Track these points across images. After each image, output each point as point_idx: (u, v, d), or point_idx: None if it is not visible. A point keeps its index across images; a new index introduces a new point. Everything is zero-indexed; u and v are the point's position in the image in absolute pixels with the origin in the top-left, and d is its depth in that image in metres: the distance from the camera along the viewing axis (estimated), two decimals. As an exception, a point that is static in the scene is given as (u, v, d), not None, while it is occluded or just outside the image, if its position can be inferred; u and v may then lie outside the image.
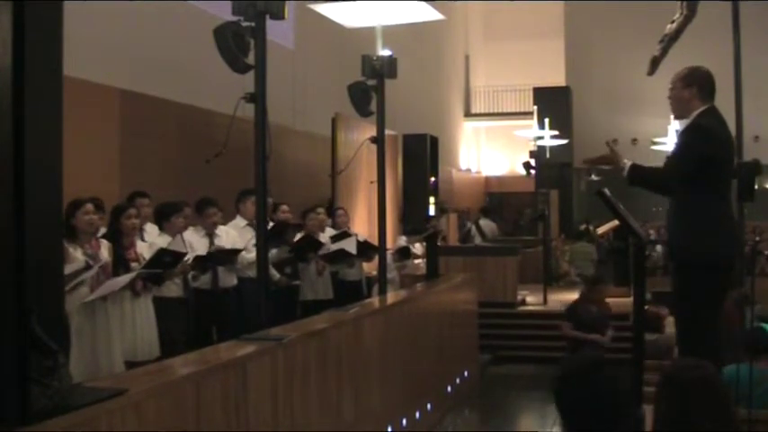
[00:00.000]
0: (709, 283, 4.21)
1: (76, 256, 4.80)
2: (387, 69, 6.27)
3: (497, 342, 9.43)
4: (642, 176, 4.38)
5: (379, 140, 6.43)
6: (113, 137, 8.02)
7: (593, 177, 23.02)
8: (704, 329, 4.16)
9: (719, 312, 4.43)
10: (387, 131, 6.63)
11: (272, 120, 4.43)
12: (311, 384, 4.12)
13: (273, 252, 6.46)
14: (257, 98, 4.32)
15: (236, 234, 6.68)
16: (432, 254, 7.80)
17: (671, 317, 7.09)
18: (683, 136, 4.35)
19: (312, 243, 7.18)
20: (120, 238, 5.31)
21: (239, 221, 6.97)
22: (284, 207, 7.36)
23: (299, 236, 7.23)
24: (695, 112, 4.31)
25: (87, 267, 4.74)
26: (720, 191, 4.32)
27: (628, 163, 4.36)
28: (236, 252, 6.36)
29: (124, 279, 5.01)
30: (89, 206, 4.96)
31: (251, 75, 4.36)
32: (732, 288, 4.75)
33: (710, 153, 4.21)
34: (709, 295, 4.22)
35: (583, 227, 17.18)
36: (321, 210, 7.76)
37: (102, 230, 5.38)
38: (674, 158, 4.38)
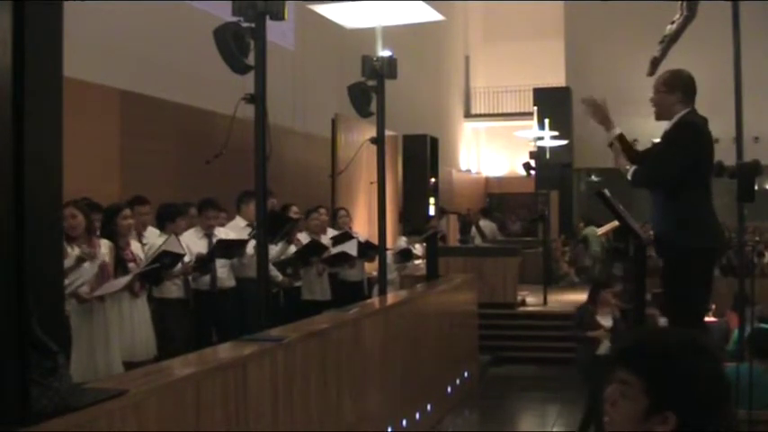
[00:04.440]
0: (695, 268, 4.29)
1: (72, 254, 4.78)
2: (387, 70, 6.27)
3: (497, 343, 9.43)
4: (635, 155, 4.47)
5: (379, 141, 6.43)
6: (113, 137, 8.02)
7: (594, 178, 23.05)
8: (693, 313, 4.25)
9: (706, 296, 4.53)
10: (387, 132, 6.63)
11: (272, 120, 4.43)
12: (311, 385, 4.11)
13: (274, 248, 6.43)
14: (257, 99, 4.32)
15: (235, 235, 6.66)
16: (432, 254, 7.79)
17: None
18: (674, 133, 4.39)
19: (317, 248, 7.17)
20: (116, 239, 5.30)
21: (239, 222, 6.96)
22: (294, 208, 7.37)
23: (299, 236, 7.23)
24: (678, 115, 4.40)
25: (79, 263, 4.69)
26: (702, 184, 4.40)
27: (617, 130, 4.45)
28: (242, 243, 6.29)
29: (124, 280, 5.01)
30: (67, 210, 4.82)
31: (251, 75, 4.36)
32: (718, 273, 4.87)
33: (699, 150, 4.32)
34: (695, 280, 4.30)
35: (581, 225, 17.17)
36: (323, 210, 7.75)
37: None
38: (667, 154, 4.38)
